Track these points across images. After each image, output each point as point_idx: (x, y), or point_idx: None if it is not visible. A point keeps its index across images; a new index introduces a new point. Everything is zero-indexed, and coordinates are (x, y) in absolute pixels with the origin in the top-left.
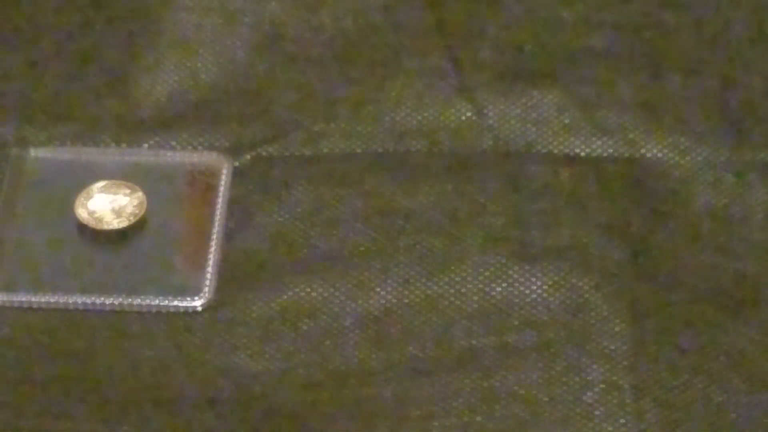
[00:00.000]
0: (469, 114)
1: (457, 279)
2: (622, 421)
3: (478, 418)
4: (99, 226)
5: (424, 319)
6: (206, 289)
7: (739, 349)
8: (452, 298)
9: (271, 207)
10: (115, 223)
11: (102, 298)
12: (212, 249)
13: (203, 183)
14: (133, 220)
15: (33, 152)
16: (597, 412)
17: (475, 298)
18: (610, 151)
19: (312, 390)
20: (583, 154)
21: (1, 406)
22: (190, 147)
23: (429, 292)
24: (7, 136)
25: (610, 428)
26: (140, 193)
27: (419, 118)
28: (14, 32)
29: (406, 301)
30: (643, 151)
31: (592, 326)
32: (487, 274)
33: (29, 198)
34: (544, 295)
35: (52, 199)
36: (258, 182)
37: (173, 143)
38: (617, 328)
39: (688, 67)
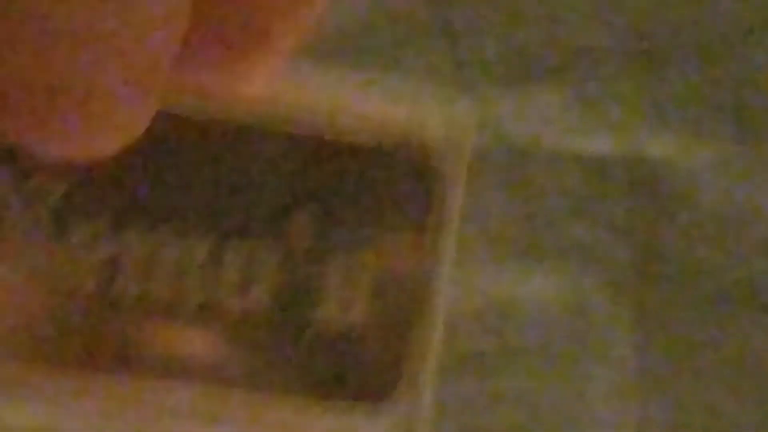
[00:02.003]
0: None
1: (458, 279)
2: (626, 423)
3: (479, 419)
4: None
5: None
6: None
7: (745, 351)
8: (452, 298)
9: None
10: None
11: None
12: None
13: None
14: None
15: None
16: (599, 414)
17: (476, 298)
18: (615, 150)
19: None
20: (587, 153)
21: None
22: None
23: None
24: None
25: (612, 431)
26: None
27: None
28: None
29: None
30: (648, 150)
31: (594, 327)
32: (487, 274)
33: None
34: (546, 295)
35: None
36: None
37: None
38: (621, 330)
39: (694, 65)
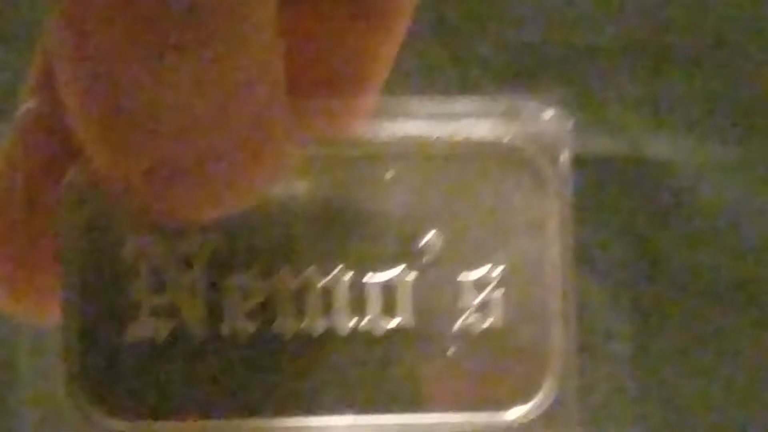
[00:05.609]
0: None
1: None
2: (625, 421)
3: None
4: None
5: None
6: None
7: (744, 350)
8: None
9: None
10: None
11: None
12: None
13: None
14: None
15: None
16: (600, 413)
17: None
18: (614, 149)
19: None
20: (586, 152)
21: None
22: None
23: None
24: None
25: (613, 429)
26: None
27: None
28: (13, 31)
29: None
30: (647, 149)
31: (594, 327)
32: None
33: None
34: None
35: None
36: None
37: None
38: (620, 329)
39: (694, 65)
